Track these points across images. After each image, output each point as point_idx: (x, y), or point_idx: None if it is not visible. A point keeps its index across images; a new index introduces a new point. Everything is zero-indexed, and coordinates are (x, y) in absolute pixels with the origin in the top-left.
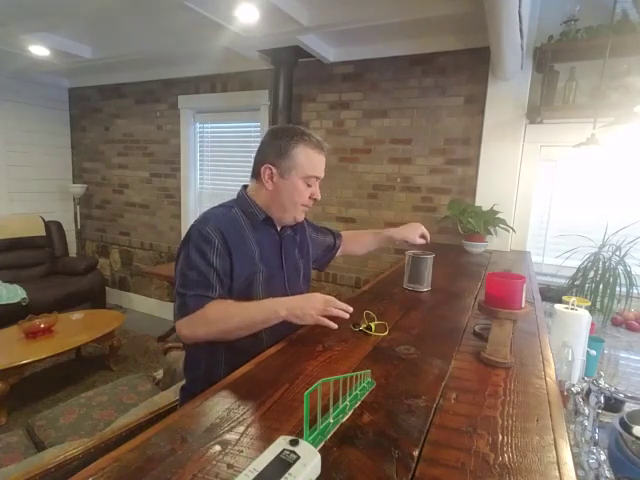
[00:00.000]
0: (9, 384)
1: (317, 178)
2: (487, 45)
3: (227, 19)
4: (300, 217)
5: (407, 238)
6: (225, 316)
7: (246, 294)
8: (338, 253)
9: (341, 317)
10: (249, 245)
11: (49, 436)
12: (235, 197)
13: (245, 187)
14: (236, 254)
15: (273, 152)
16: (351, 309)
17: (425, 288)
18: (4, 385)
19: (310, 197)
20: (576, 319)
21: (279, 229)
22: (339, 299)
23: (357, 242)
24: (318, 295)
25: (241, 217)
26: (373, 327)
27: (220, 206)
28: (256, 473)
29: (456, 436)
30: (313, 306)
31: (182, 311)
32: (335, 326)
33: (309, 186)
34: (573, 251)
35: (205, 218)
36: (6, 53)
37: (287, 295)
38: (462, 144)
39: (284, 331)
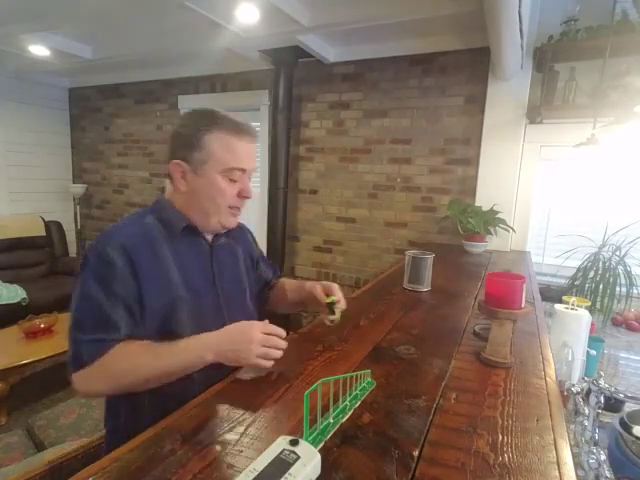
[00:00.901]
0: (9, 384)
1: (243, 170)
2: (487, 45)
3: (227, 19)
4: (229, 221)
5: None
6: (131, 367)
7: (167, 327)
8: (270, 297)
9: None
10: (166, 264)
11: (49, 436)
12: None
13: (164, 190)
14: (147, 278)
15: (181, 144)
16: (285, 345)
17: (425, 288)
18: (4, 385)
19: (239, 195)
20: (576, 319)
21: (210, 237)
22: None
23: (283, 292)
24: (251, 329)
25: (157, 228)
26: (337, 313)
27: (131, 215)
28: (256, 473)
29: (456, 436)
30: (247, 347)
31: (76, 363)
32: (270, 364)
33: (233, 181)
34: (573, 251)
35: (106, 235)
36: (6, 53)
37: (224, 319)
38: (462, 144)
39: (218, 375)
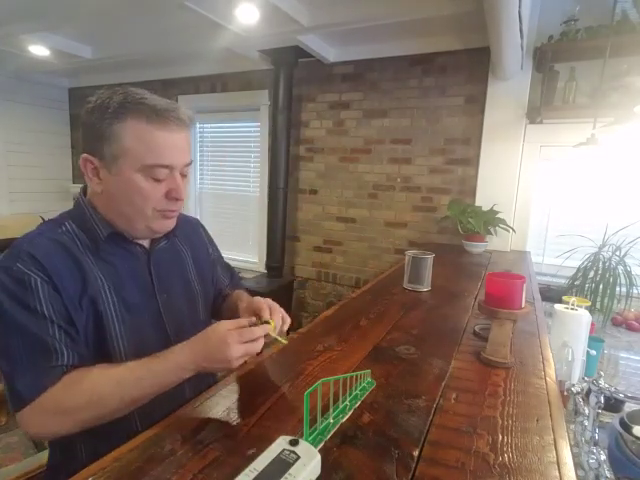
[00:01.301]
0: None
1: (169, 168)
2: (487, 45)
3: (227, 19)
4: (160, 226)
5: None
6: (92, 399)
7: (99, 349)
8: (223, 309)
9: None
10: (89, 278)
11: None
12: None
13: (85, 190)
14: (69, 294)
15: (89, 135)
16: (260, 348)
17: (425, 288)
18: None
19: (167, 197)
20: (576, 319)
21: (147, 241)
22: (339, 299)
23: (236, 307)
24: (227, 345)
25: (77, 236)
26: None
27: (46, 223)
28: (256, 473)
29: (456, 436)
30: (227, 364)
31: (15, 402)
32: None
33: (157, 181)
34: (573, 251)
35: (14, 248)
36: (6, 53)
37: (168, 336)
38: (462, 144)
39: (161, 412)
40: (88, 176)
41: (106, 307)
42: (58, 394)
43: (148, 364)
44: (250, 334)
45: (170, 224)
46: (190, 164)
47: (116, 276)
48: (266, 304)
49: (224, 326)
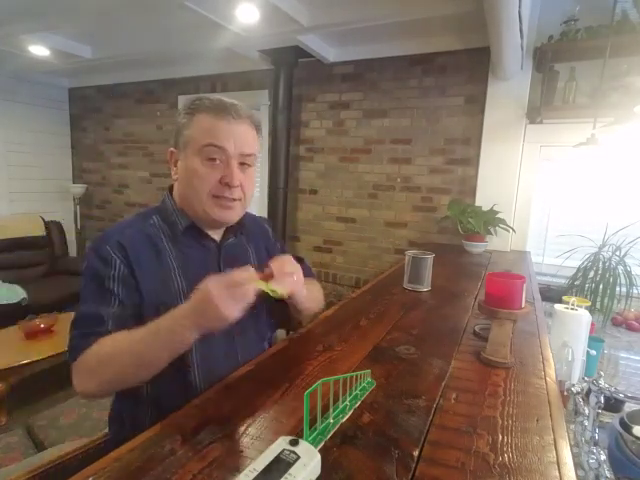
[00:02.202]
0: (9, 384)
1: (221, 148)
2: (487, 45)
3: (227, 19)
4: (215, 213)
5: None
6: (112, 356)
7: None
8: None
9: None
10: (167, 269)
11: (49, 436)
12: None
13: (172, 188)
14: (146, 280)
15: (175, 131)
16: (252, 290)
17: (425, 288)
18: (4, 385)
19: (221, 182)
20: (576, 319)
21: (218, 236)
22: (339, 299)
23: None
24: (208, 293)
25: (160, 228)
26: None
27: (136, 215)
28: (256, 473)
29: (456, 436)
30: (216, 312)
31: (70, 358)
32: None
33: (213, 163)
34: (573, 251)
35: (106, 233)
36: (6, 53)
37: (232, 329)
38: (462, 144)
39: (220, 370)
40: (171, 167)
41: (177, 299)
42: (87, 355)
43: (156, 320)
44: (230, 278)
45: (228, 215)
46: (251, 155)
47: (190, 268)
48: (279, 260)
49: (210, 280)
